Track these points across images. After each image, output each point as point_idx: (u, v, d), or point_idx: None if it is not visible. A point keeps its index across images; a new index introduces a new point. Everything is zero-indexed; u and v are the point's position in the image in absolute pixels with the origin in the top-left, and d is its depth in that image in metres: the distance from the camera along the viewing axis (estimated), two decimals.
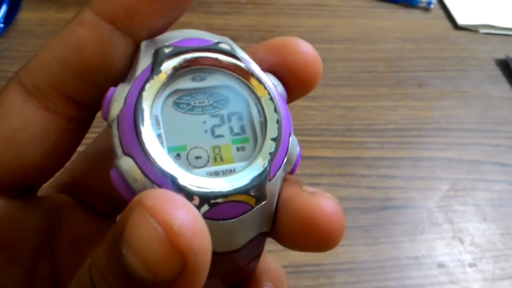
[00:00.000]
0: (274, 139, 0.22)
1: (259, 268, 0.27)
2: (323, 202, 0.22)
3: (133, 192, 0.20)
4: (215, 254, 0.21)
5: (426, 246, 0.52)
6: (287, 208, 0.23)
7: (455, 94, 0.70)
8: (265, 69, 0.24)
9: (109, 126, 0.21)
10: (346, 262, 0.50)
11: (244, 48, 0.25)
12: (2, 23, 0.63)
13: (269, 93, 0.23)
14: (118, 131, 0.21)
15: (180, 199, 0.18)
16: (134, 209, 0.18)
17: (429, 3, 0.82)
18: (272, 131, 0.22)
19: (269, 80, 0.24)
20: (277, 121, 0.22)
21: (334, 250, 0.49)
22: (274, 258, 0.47)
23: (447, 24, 0.81)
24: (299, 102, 0.61)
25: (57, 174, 0.27)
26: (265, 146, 0.22)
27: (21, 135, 0.23)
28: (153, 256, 0.17)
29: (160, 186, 0.20)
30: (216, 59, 0.23)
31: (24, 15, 0.67)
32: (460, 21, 0.81)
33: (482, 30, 0.80)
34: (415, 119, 0.65)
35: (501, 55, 0.76)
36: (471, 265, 0.52)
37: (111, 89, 0.22)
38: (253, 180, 0.21)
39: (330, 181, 0.56)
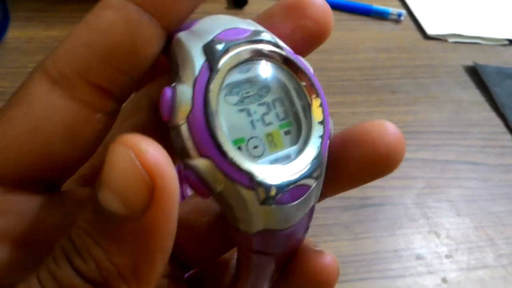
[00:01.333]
0: (321, 123, 0.23)
1: None
2: (384, 124, 0.25)
3: (212, 191, 0.21)
4: (280, 231, 0.23)
5: (405, 240, 0.55)
6: (352, 140, 0.25)
7: (427, 99, 0.72)
8: (286, 27, 0.25)
9: (173, 128, 0.21)
10: None
11: None
12: None
13: (309, 79, 0.24)
14: (190, 133, 0.21)
15: (143, 135, 0.18)
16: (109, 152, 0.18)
17: (399, 15, 0.84)
18: (317, 115, 0.23)
19: (307, 65, 0.24)
20: (321, 105, 0.23)
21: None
22: None
23: (417, 34, 0.84)
24: None
25: None
26: (314, 130, 0.23)
27: (46, 126, 0.22)
28: (124, 181, 0.18)
29: (239, 183, 0.21)
30: (262, 50, 0.23)
31: (12, 34, 0.68)
32: (430, 31, 0.83)
33: (450, 39, 0.83)
34: None
35: (470, 62, 0.79)
36: (447, 256, 0.54)
37: (167, 90, 0.21)
38: (312, 164, 0.22)
39: None
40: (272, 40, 0.23)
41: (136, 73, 0.23)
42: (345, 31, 0.81)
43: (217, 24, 0.23)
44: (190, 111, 0.21)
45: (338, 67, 0.75)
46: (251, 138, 0.22)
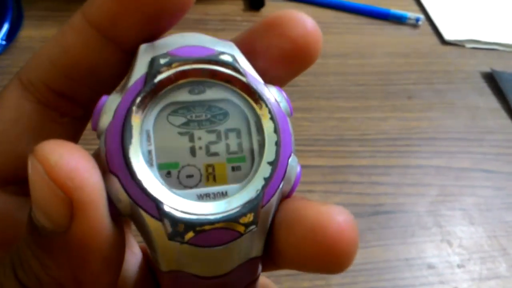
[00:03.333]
0: (270, 163, 0.21)
1: None
2: (333, 210, 0.21)
3: (118, 211, 0.20)
4: (200, 278, 0.21)
5: (416, 249, 0.55)
6: (290, 220, 0.21)
7: (443, 105, 0.72)
8: (265, 47, 0.23)
9: (98, 137, 0.21)
10: None
11: None
12: (5, 40, 0.65)
13: (269, 112, 0.22)
14: (105, 146, 0.20)
15: (64, 142, 0.18)
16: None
17: (417, 20, 0.84)
18: (269, 154, 0.21)
19: (272, 96, 0.22)
20: (276, 143, 0.21)
21: None
22: None
23: (434, 39, 0.83)
24: (294, 114, 0.64)
25: None
26: (260, 170, 0.21)
27: (15, 127, 0.23)
28: (40, 196, 0.18)
29: (144, 209, 0.19)
30: (215, 71, 0.21)
31: (26, 33, 0.68)
32: (447, 36, 0.83)
33: (468, 45, 0.83)
34: (404, 129, 0.67)
35: (487, 68, 0.78)
36: (459, 266, 0.54)
37: (103, 99, 0.21)
38: (243, 207, 0.20)
39: (324, 189, 0.58)
40: (232, 63, 0.22)
41: (98, 86, 0.23)
42: (362, 35, 0.81)
43: (181, 40, 0.22)
44: (110, 122, 0.20)
45: (354, 72, 0.74)
46: (187, 165, 0.21)
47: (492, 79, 0.77)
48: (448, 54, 0.81)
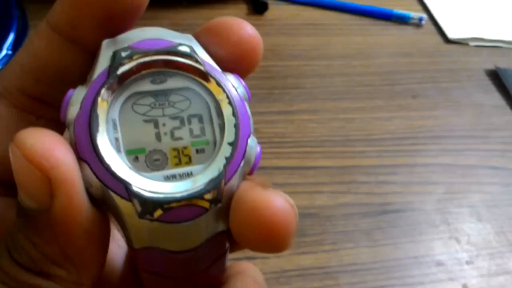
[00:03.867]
0: (231, 143, 0.22)
1: (232, 274, 0.27)
2: (272, 197, 0.22)
3: (91, 196, 0.21)
4: (170, 252, 0.22)
5: (425, 246, 0.55)
6: (238, 202, 0.22)
7: (448, 104, 0.72)
8: (208, 51, 0.24)
9: (67, 128, 0.22)
10: (349, 264, 0.52)
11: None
12: (11, 50, 0.65)
13: (227, 97, 0.23)
14: (74, 135, 0.21)
15: (40, 128, 0.20)
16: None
17: (420, 19, 0.84)
18: (229, 135, 0.22)
19: (229, 83, 0.23)
20: (235, 125, 0.22)
21: (337, 253, 0.52)
22: (281, 263, 0.50)
23: (438, 38, 0.83)
24: (300, 116, 0.65)
25: None
26: (222, 150, 0.22)
27: None
28: (22, 178, 0.20)
29: (114, 191, 0.20)
30: (174, 61, 0.23)
31: None
32: (451, 35, 0.83)
33: (472, 43, 0.83)
34: (410, 128, 0.67)
35: (491, 66, 0.79)
36: (468, 262, 0.54)
37: (70, 92, 0.22)
38: (207, 184, 0.21)
39: (332, 189, 0.58)
40: (190, 53, 0.23)
41: (68, 88, 0.23)
42: (366, 36, 0.82)
43: (142, 34, 0.23)
44: (78, 113, 0.21)
45: (359, 72, 0.75)
46: (153, 150, 0.22)
47: (496, 77, 0.77)
48: (452, 53, 0.81)
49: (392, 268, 0.53)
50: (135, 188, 0.20)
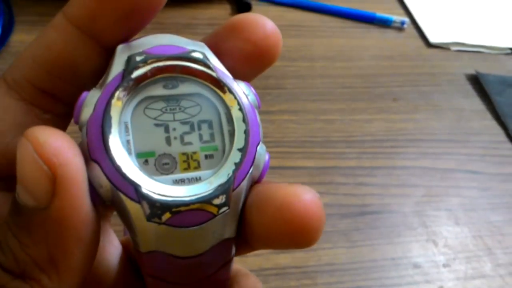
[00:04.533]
0: (240, 149, 0.22)
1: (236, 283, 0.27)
2: (300, 189, 0.22)
3: (100, 197, 0.21)
4: (176, 258, 0.22)
5: (402, 248, 0.55)
6: (260, 201, 0.23)
7: (428, 107, 0.73)
8: (229, 48, 0.25)
9: (80, 130, 0.22)
10: (327, 264, 0.52)
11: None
12: None
13: (238, 103, 0.23)
14: (87, 136, 0.21)
15: (52, 128, 0.20)
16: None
17: (402, 23, 0.85)
18: (239, 141, 0.23)
19: (240, 90, 0.24)
20: (245, 132, 0.23)
21: (315, 253, 0.52)
22: (259, 261, 0.50)
23: (420, 42, 0.84)
24: (281, 116, 0.65)
25: None
26: (231, 156, 0.22)
27: (0, 124, 0.24)
28: (26, 173, 0.19)
29: (124, 193, 0.21)
30: (187, 67, 0.23)
31: (17, 37, 0.69)
32: (432, 39, 0.83)
33: (453, 48, 0.83)
34: (390, 131, 0.68)
35: (472, 71, 0.79)
36: (444, 265, 0.54)
37: (84, 94, 0.22)
38: (216, 189, 0.21)
39: None
40: (203, 60, 0.23)
41: (79, 83, 0.24)
42: (348, 38, 0.82)
43: (156, 40, 0.24)
44: (91, 115, 0.21)
45: (340, 74, 0.75)
46: (163, 154, 0.22)
47: (477, 81, 0.78)
48: (433, 57, 0.82)
49: (369, 269, 0.53)
50: (144, 190, 0.20)
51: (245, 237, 0.24)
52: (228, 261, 0.25)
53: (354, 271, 0.52)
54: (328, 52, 0.78)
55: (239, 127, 0.23)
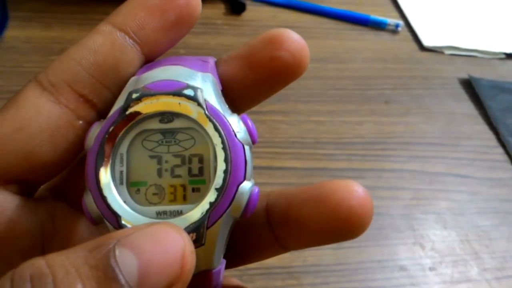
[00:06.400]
0: (217, 189, 0.23)
1: None
2: (350, 183, 0.25)
3: (93, 220, 0.23)
4: None
5: (389, 251, 0.55)
6: (310, 200, 0.25)
7: (419, 110, 0.73)
8: (265, 58, 0.27)
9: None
10: (312, 265, 0.52)
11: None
12: None
13: (222, 142, 0.24)
14: (86, 166, 0.23)
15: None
16: (155, 227, 0.20)
17: (396, 26, 0.85)
18: (218, 181, 0.23)
19: (230, 127, 0.24)
20: (224, 171, 0.23)
21: (301, 254, 0.52)
22: None
23: (413, 45, 0.84)
24: (271, 117, 0.65)
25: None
26: (208, 195, 0.23)
27: (31, 126, 0.24)
28: (158, 260, 0.19)
29: (108, 221, 0.23)
30: (177, 104, 0.24)
31: (11, 33, 0.69)
32: (426, 42, 0.83)
33: (447, 51, 0.83)
34: (380, 133, 0.68)
35: (465, 75, 0.79)
36: (431, 268, 0.54)
37: (93, 125, 0.24)
38: (188, 227, 0.23)
39: None
40: (193, 97, 0.24)
41: (117, 89, 0.26)
42: (341, 40, 0.82)
43: (162, 74, 0.25)
44: (91, 146, 0.23)
45: (332, 76, 0.75)
46: (154, 184, 0.23)
47: (469, 86, 0.78)
48: (427, 60, 0.82)
49: (355, 271, 0.53)
50: (123, 222, 0.22)
51: (283, 240, 0.26)
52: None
53: (340, 273, 0.52)
54: (321, 53, 0.78)
55: (220, 167, 0.23)
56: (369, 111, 0.70)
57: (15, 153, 0.24)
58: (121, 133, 0.24)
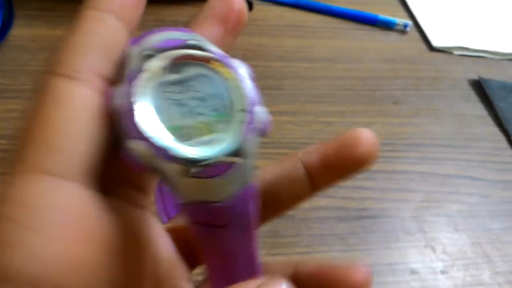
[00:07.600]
0: (242, 110, 0.26)
1: None
2: (358, 131, 0.30)
3: (143, 166, 0.25)
4: (210, 203, 0.26)
5: (400, 254, 0.54)
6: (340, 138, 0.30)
7: (429, 111, 0.72)
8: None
9: (113, 119, 0.25)
10: None
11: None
12: None
13: (235, 75, 0.26)
14: (123, 118, 0.24)
15: None
16: None
17: (405, 26, 0.84)
18: (240, 104, 0.26)
19: (235, 64, 0.27)
20: (243, 96, 0.26)
21: (311, 256, 0.51)
22: None
23: (422, 45, 0.83)
24: (279, 117, 0.64)
25: None
26: (235, 117, 0.26)
27: (84, 114, 0.25)
28: None
29: (160, 157, 0.24)
30: (188, 54, 0.26)
31: (17, 32, 0.69)
32: (435, 43, 0.83)
33: (456, 52, 0.83)
34: (390, 134, 0.67)
35: (474, 76, 0.79)
36: (442, 272, 0.54)
37: (111, 90, 0.25)
38: (228, 145, 0.25)
39: None
40: (197, 44, 0.27)
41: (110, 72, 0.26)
42: (349, 40, 0.81)
43: (162, 37, 0.27)
44: (121, 104, 0.25)
45: (341, 76, 0.74)
46: (182, 125, 0.25)
47: (479, 87, 0.77)
48: (436, 61, 0.81)
49: None
50: (176, 152, 0.24)
51: (317, 180, 0.31)
52: (255, 213, 0.28)
53: None
54: (329, 53, 0.78)
55: (239, 94, 0.26)
56: (378, 112, 0.70)
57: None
58: (142, 89, 0.25)
